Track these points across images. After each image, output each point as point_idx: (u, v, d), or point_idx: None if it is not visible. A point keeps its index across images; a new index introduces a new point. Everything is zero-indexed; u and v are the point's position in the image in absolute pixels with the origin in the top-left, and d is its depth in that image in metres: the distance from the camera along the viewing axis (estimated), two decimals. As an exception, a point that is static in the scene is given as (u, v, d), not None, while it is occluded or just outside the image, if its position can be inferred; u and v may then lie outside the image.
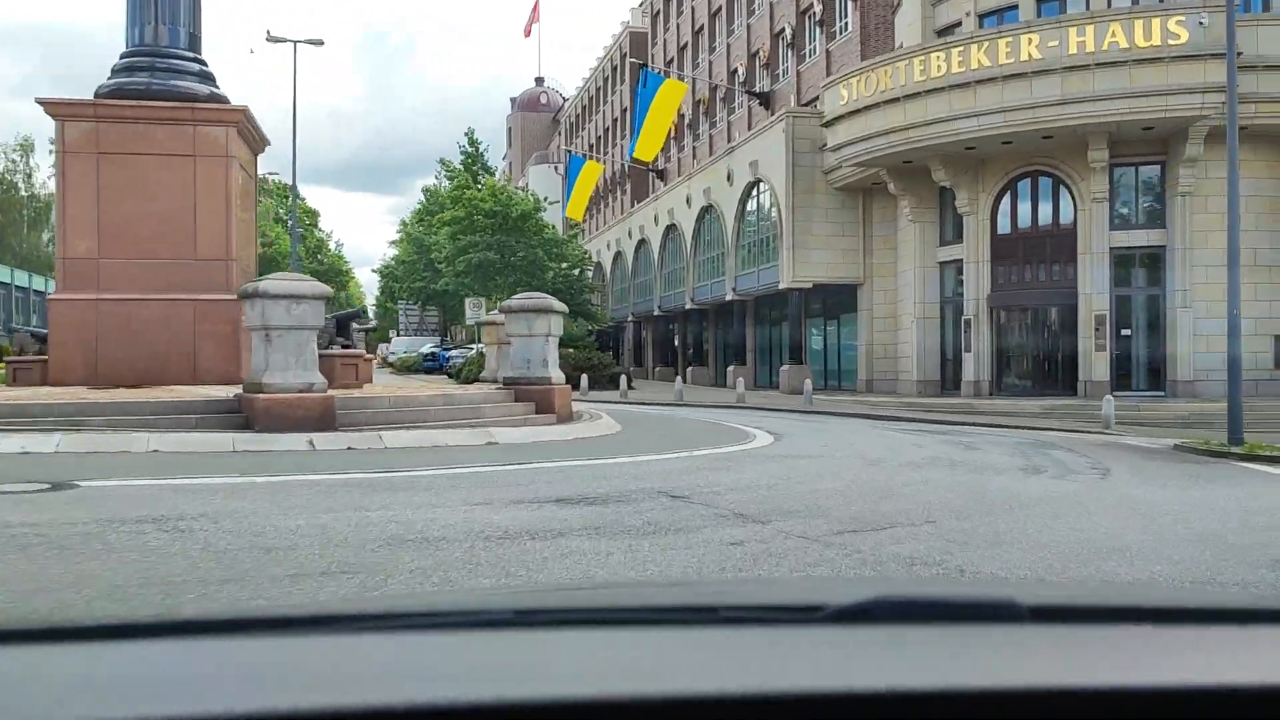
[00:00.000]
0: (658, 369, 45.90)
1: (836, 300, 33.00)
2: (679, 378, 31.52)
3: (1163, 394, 24.43)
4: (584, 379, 30.51)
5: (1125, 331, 25.30)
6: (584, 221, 68.55)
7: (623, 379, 29.74)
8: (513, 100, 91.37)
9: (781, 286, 31.46)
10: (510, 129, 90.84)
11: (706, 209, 38.57)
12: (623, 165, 58.91)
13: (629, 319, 50.25)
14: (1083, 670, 0.98)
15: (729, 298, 36.09)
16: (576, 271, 46.29)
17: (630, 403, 27.68)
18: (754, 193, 34.25)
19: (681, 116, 49.79)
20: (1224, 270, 25.78)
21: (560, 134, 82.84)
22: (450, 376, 34.74)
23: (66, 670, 1.02)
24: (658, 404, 27.28)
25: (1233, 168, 15.88)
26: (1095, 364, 24.79)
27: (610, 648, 1.10)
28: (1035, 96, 23.20)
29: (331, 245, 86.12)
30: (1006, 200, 26.60)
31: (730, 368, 35.98)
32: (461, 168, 48.18)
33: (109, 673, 1.01)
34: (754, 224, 34.48)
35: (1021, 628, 1.15)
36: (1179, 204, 24.25)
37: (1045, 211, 26.09)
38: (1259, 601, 1.82)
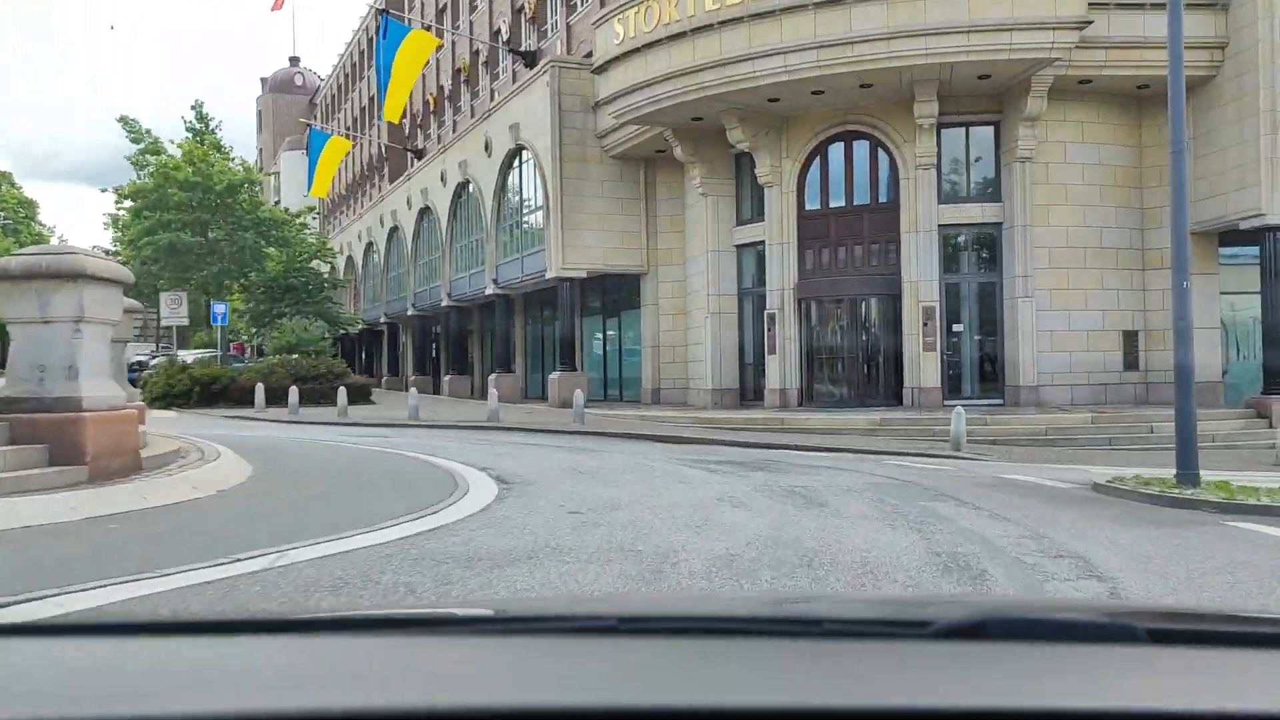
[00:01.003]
0: (414, 378, 39.18)
1: (618, 294, 27.55)
2: (413, 390, 25.10)
3: (1000, 401, 20.20)
4: (293, 392, 23.78)
5: (957, 328, 20.96)
6: (334, 210, 60.72)
7: (342, 394, 23.17)
8: (263, 81, 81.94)
9: (549, 276, 25.67)
10: (261, 112, 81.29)
11: (463, 186, 32.36)
12: (380, 148, 51.70)
13: (382, 320, 43.24)
14: (1200, 693, 0.96)
15: (489, 291, 30.01)
16: (314, 263, 39.07)
17: (347, 423, 21.23)
18: (516, 163, 28.34)
19: (441, 89, 43.34)
20: (1070, 252, 21.84)
21: (317, 117, 74.31)
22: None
23: (83, 664, 1.05)
24: (384, 424, 20.95)
25: (1178, 114, 11.22)
26: (925, 367, 20.30)
27: (714, 658, 1.09)
28: (855, 30, 18.38)
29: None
30: (816, 168, 21.82)
31: (493, 376, 29.92)
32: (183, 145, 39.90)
33: (170, 667, 1.04)
34: (516, 202, 28.55)
35: (1139, 649, 1.12)
36: (1017, 172, 20.09)
37: (862, 181, 21.47)
38: None
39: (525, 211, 27.83)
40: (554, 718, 0.87)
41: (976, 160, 20.94)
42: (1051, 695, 0.93)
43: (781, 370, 21.62)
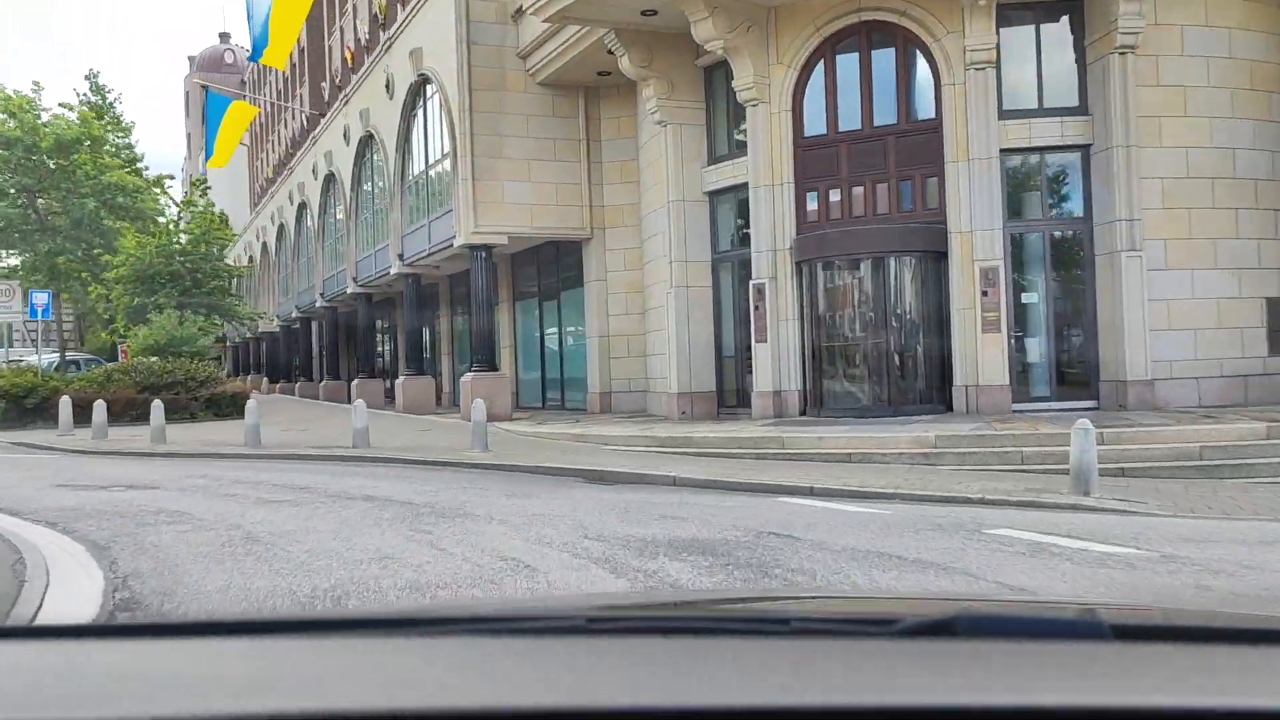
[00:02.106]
0: (325, 383, 32.50)
1: (557, 268, 21.09)
2: (251, 404, 18.25)
3: (1092, 404, 13.88)
4: (99, 409, 17.18)
5: (1028, 298, 14.60)
6: (265, 195, 53.73)
7: (157, 410, 16.38)
8: (191, 59, 75.04)
9: (458, 244, 19.13)
10: (188, 93, 74.19)
11: (366, 141, 25.75)
12: (303, 120, 44.78)
13: (294, 315, 36.48)
14: (1166, 690, 0.97)
15: (394, 271, 23.41)
16: (202, 248, 32.44)
17: (151, 452, 14.66)
18: (419, 103, 21.78)
19: (359, 41, 36.60)
20: (1192, 187, 15.46)
21: (249, 96, 67.36)
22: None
23: (74, 669, 1.04)
24: (204, 454, 14.40)
25: None
26: (985, 355, 13.94)
27: (683, 658, 1.08)
28: None
29: None
30: (819, 76, 15.40)
31: (401, 379, 23.33)
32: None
33: (147, 671, 1.04)
34: (422, 153, 21.98)
35: (1105, 645, 1.12)
36: (1114, 70, 13.76)
37: (886, 91, 15.05)
38: None
39: (432, 164, 21.26)
40: (522, 719, 0.86)
41: (1053, 55, 14.54)
42: (1019, 692, 0.94)
43: (775, 365, 15.21)
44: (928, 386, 14.52)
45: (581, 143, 19.32)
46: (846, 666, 1.03)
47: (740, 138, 16.17)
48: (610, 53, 16.81)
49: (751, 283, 15.47)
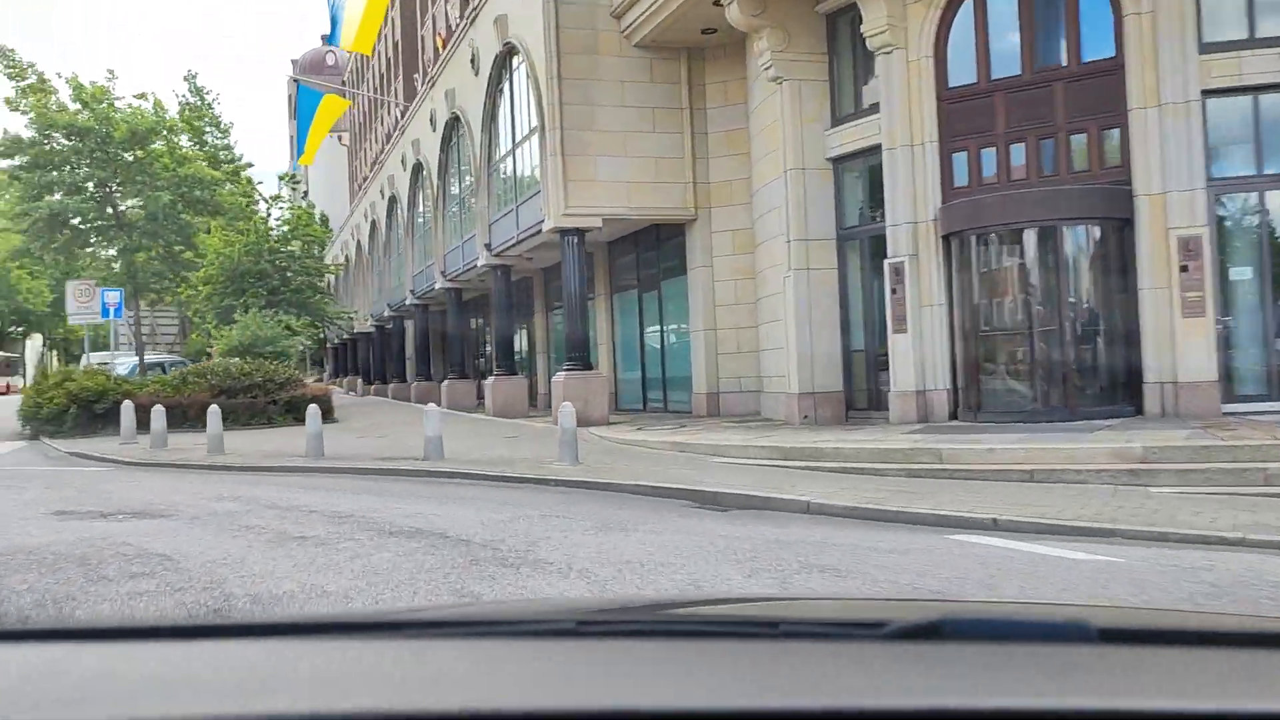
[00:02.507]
0: (416, 384, 30.99)
1: (656, 255, 18.95)
2: (312, 412, 16.41)
3: (1323, 404, 11.08)
4: (159, 414, 15.69)
5: (1239, 273, 11.83)
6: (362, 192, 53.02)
7: (214, 417, 14.69)
8: (294, 63, 75.32)
9: (548, 228, 17.11)
10: (291, 97, 74.32)
11: (453, 124, 24.00)
12: (399, 114, 43.56)
13: (386, 314, 35.12)
14: (1150, 692, 0.97)
15: (482, 262, 21.57)
16: (292, 246, 31.23)
17: (206, 465, 12.92)
18: (506, 74, 19.88)
19: (450, 26, 35.11)
20: None
21: (345, 90, 67.11)
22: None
23: (68, 671, 1.04)
24: (260, 468, 12.64)
25: None
26: (1186, 345, 11.27)
27: (673, 661, 1.08)
28: None
29: None
30: (967, 14, 12.87)
31: (490, 380, 21.49)
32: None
33: (122, 673, 1.03)
34: (508, 130, 20.06)
35: (1091, 648, 1.12)
36: (1352, -15, 10.94)
37: (1051, 28, 12.46)
38: None
39: (518, 142, 19.32)
40: None
41: (1268, -28, 11.75)
42: (1006, 694, 0.94)
43: (917, 360, 12.76)
44: (1111, 384, 11.89)
45: (684, 111, 17.13)
46: (835, 669, 1.04)
47: (870, 93, 13.76)
48: (717, 3, 14.58)
49: (887, 262, 13.05)
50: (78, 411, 19.39)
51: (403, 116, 35.15)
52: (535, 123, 17.45)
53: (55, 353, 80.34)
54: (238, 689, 0.96)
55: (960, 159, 12.81)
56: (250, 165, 32.79)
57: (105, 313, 22.04)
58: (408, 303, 30.50)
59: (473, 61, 21.09)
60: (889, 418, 12.96)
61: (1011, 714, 0.87)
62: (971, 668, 1.03)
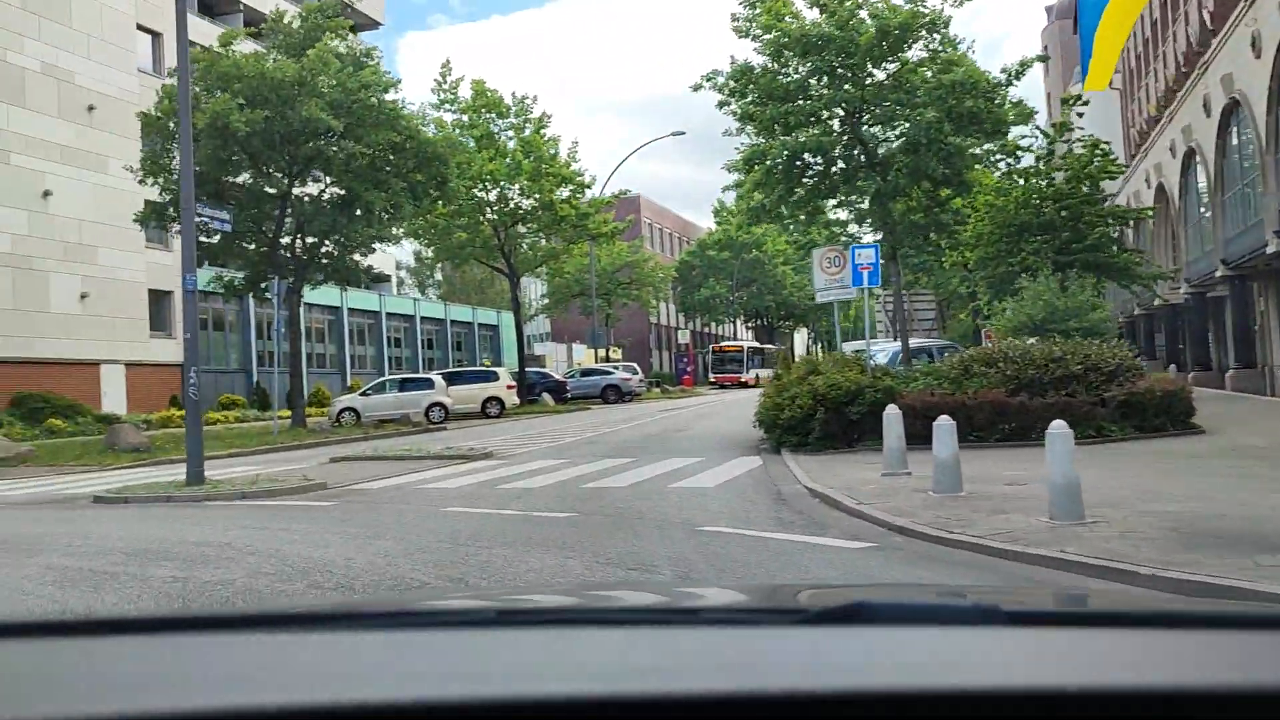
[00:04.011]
0: (1233, 372, 24.24)
1: None
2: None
3: None
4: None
5: None
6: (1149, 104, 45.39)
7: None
8: (1048, 10, 69.65)
9: None
10: (1046, 47, 68.51)
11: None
12: (1204, 17, 35.43)
13: (1215, 275, 25.87)
14: (1054, 670, 1.01)
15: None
16: (1081, 189, 25.07)
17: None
18: None
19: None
20: None
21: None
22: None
23: (64, 664, 1.08)
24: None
25: None
26: None
27: (592, 648, 1.10)
28: None
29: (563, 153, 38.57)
30: None
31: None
32: None
33: (107, 667, 1.06)
34: None
35: (1000, 630, 1.18)
36: None
37: None
38: (1229, 609, 1.88)
39: None
40: (436, 711, 0.87)
41: None
42: (919, 675, 0.96)
43: None
44: None
45: None
46: (757, 654, 1.07)
47: None
48: None
49: None
50: (825, 416, 15.24)
51: (1195, 44, 27.99)
52: None
53: (819, 346, 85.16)
54: (151, 684, 0.97)
55: None
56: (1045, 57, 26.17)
57: (857, 279, 17.47)
58: (1215, 274, 24.00)
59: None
60: None
61: (925, 694, 0.91)
62: (887, 650, 1.06)
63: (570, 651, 1.08)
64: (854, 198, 21.73)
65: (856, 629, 1.14)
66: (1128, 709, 0.91)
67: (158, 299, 35.30)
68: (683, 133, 45.44)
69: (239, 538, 8.78)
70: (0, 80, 30.42)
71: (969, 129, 20.45)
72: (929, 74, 20.18)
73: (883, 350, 24.79)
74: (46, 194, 31.56)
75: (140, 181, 24.70)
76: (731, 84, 20.32)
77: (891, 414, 11.95)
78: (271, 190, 25.54)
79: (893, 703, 0.90)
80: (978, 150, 21.34)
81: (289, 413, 26.54)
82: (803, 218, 22.67)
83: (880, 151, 20.96)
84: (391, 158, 25.78)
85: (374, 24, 49.01)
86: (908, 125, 19.80)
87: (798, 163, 20.41)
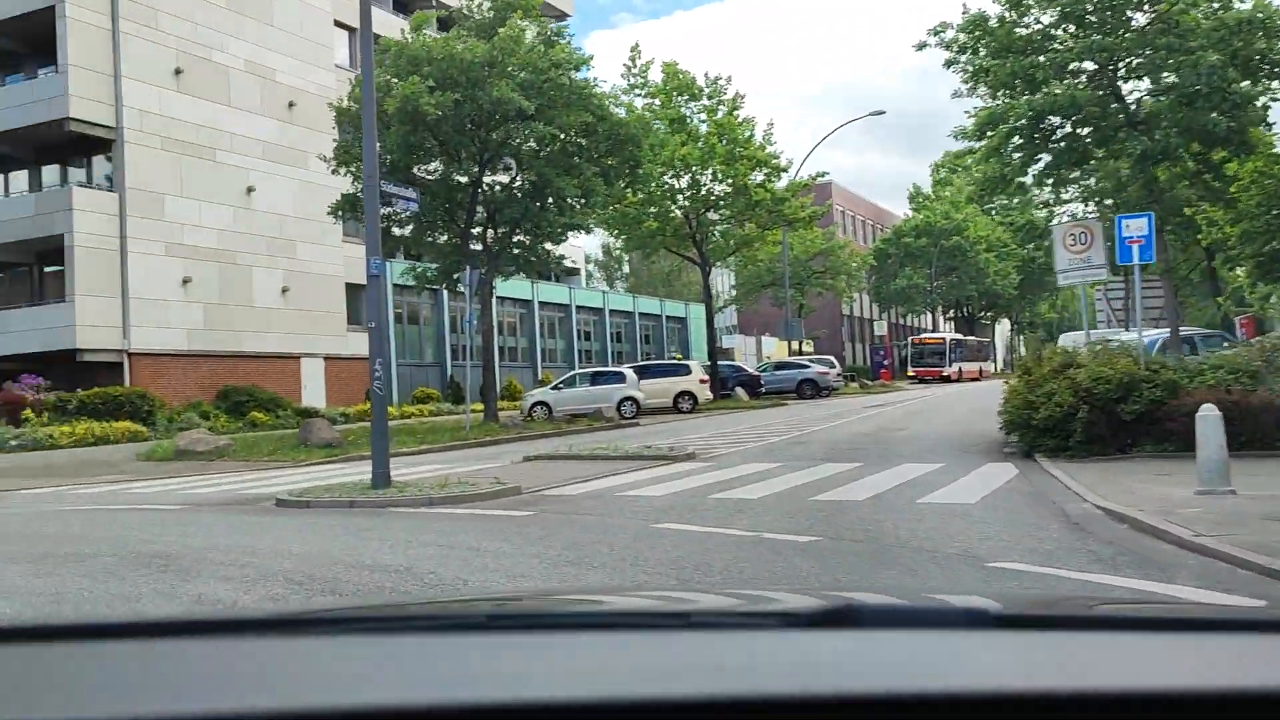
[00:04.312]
0: None
1: None
2: None
3: None
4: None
5: None
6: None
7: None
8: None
9: None
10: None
11: None
12: None
13: None
14: (1043, 674, 1.01)
15: None
16: None
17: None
18: None
19: None
20: None
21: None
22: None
23: (64, 668, 1.06)
24: None
25: None
26: None
27: (584, 653, 1.09)
28: None
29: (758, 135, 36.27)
30: None
31: None
32: None
33: (106, 671, 1.05)
34: None
35: (989, 634, 1.17)
36: None
37: None
38: (1216, 613, 1.94)
39: None
40: (428, 716, 0.87)
41: None
42: (908, 678, 0.96)
43: None
44: None
45: None
46: (747, 658, 1.05)
47: None
48: None
49: None
50: (1089, 416, 13.20)
51: None
52: None
53: (1021, 338, 79.49)
54: (133, 689, 0.96)
55: None
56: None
57: (1124, 254, 14.25)
58: None
59: None
60: None
61: (916, 697, 0.90)
62: (878, 654, 1.07)
63: (562, 656, 1.08)
64: (1112, 162, 18.57)
65: (847, 633, 1.14)
66: (1116, 712, 0.92)
67: (355, 293, 35.54)
68: (883, 111, 42.55)
69: (419, 560, 7.39)
70: (207, 80, 31.08)
71: (1259, 74, 17.23)
72: (1200, 15, 17.10)
73: (1147, 339, 20.87)
74: (250, 190, 32.17)
75: (333, 172, 24.64)
76: (962, 37, 17.82)
77: (1210, 416, 9.50)
78: (462, 179, 25.01)
79: (882, 706, 0.90)
80: (1270, 101, 17.79)
81: (481, 406, 25.81)
82: (1048, 188, 19.69)
83: (1142, 108, 17.89)
84: (582, 141, 24.83)
85: (562, 16, 48.50)
86: (1177, 75, 16.68)
87: (1041, 125, 17.62)
